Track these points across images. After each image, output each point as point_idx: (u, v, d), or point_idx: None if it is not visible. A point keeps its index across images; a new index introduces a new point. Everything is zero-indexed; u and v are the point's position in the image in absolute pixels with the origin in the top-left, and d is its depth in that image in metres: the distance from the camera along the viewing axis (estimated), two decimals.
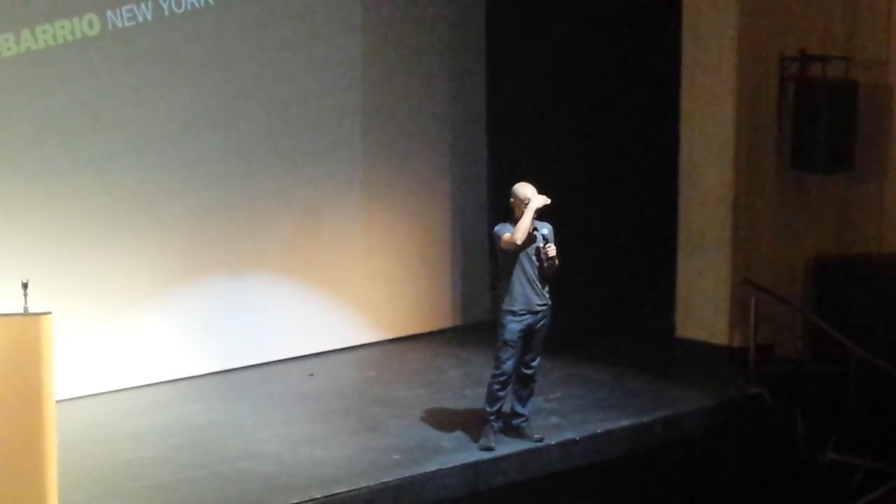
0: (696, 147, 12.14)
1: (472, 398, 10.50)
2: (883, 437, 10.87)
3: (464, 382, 11.21)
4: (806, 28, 12.16)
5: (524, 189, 9.45)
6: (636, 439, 10.25)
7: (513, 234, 9.37)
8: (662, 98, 12.54)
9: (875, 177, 12.42)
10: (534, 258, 9.47)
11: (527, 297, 9.48)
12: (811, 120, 11.94)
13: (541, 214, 9.45)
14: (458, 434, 9.90)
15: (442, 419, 10.24)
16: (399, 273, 12.59)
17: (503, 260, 9.57)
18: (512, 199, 9.47)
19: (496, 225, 9.63)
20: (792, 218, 12.32)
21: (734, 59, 11.86)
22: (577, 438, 9.93)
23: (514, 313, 9.49)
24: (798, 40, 12.10)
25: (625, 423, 10.27)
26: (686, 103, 12.16)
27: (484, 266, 12.87)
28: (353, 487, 8.85)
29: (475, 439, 9.69)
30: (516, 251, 9.43)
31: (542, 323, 9.56)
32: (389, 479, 9.04)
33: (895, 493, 10.59)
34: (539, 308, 9.52)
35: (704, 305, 12.20)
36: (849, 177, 12.33)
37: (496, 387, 9.60)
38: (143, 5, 10.77)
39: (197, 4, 11.04)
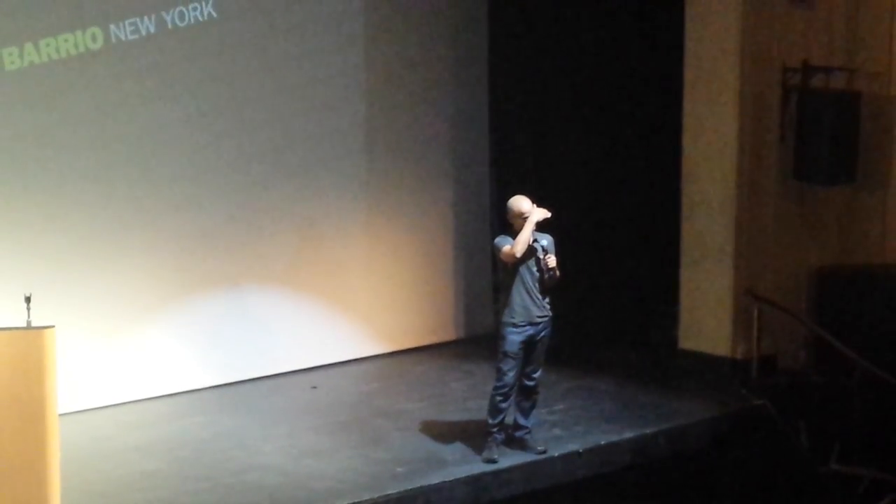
0: (698, 157, 12.15)
1: (475, 410, 10.49)
2: (887, 447, 10.86)
3: (466, 395, 11.20)
4: (809, 39, 12.17)
5: (519, 203, 9.44)
6: (640, 451, 10.24)
7: (512, 246, 9.38)
8: (665, 108, 12.54)
9: (878, 187, 12.43)
10: (534, 270, 9.47)
11: (527, 308, 9.48)
12: (814, 131, 11.94)
13: (543, 226, 9.46)
14: (461, 446, 9.90)
15: (445, 431, 10.24)
16: (402, 285, 12.59)
17: (503, 272, 9.59)
18: (508, 214, 9.48)
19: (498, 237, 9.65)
20: (795, 229, 12.32)
21: (737, 69, 11.87)
22: (581, 450, 9.91)
23: (514, 325, 9.49)
24: (801, 51, 12.11)
25: (628, 434, 10.26)
26: (689, 113, 12.17)
27: (487, 278, 12.87)
28: (357, 500, 8.84)
29: (478, 452, 9.69)
30: (516, 263, 9.44)
31: (542, 334, 9.56)
32: (392, 491, 9.02)
33: None
34: (539, 319, 9.52)
35: (707, 317, 12.20)
36: (851, 187, 12.33)
37: (498, 399, 9.60)
38: (146, 19, 10.79)
39: (200, 18, 11.05)
